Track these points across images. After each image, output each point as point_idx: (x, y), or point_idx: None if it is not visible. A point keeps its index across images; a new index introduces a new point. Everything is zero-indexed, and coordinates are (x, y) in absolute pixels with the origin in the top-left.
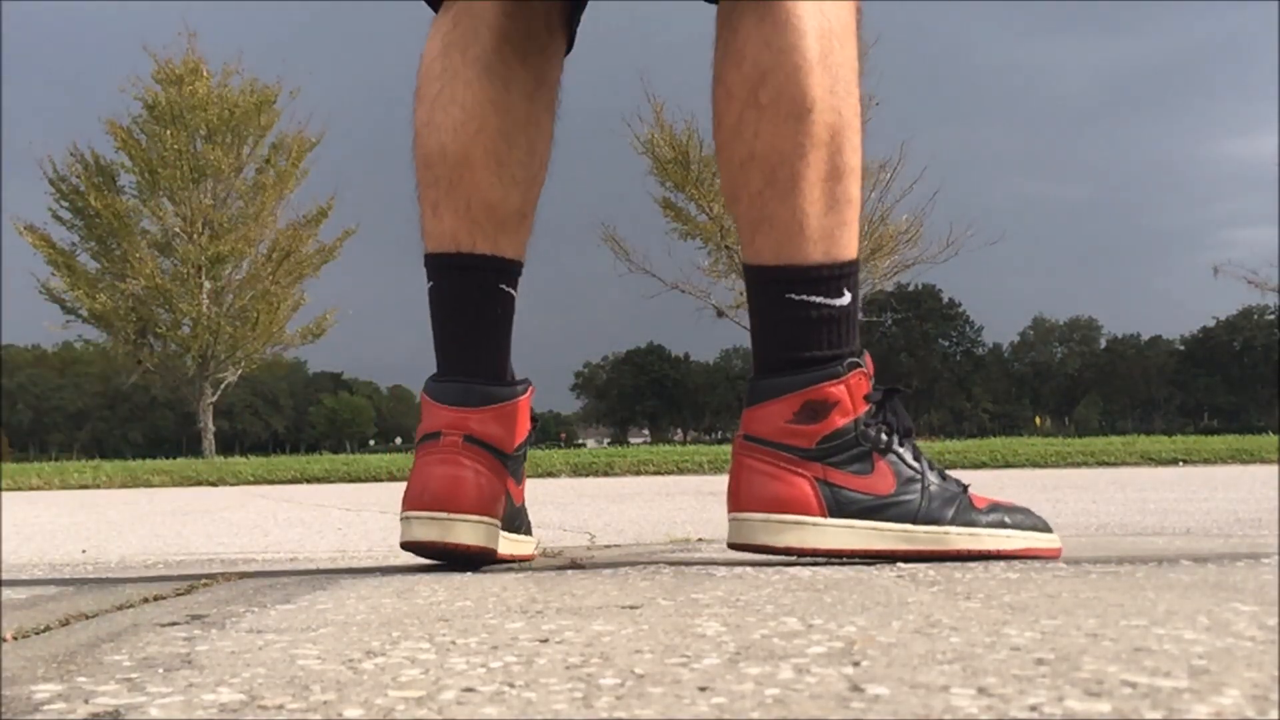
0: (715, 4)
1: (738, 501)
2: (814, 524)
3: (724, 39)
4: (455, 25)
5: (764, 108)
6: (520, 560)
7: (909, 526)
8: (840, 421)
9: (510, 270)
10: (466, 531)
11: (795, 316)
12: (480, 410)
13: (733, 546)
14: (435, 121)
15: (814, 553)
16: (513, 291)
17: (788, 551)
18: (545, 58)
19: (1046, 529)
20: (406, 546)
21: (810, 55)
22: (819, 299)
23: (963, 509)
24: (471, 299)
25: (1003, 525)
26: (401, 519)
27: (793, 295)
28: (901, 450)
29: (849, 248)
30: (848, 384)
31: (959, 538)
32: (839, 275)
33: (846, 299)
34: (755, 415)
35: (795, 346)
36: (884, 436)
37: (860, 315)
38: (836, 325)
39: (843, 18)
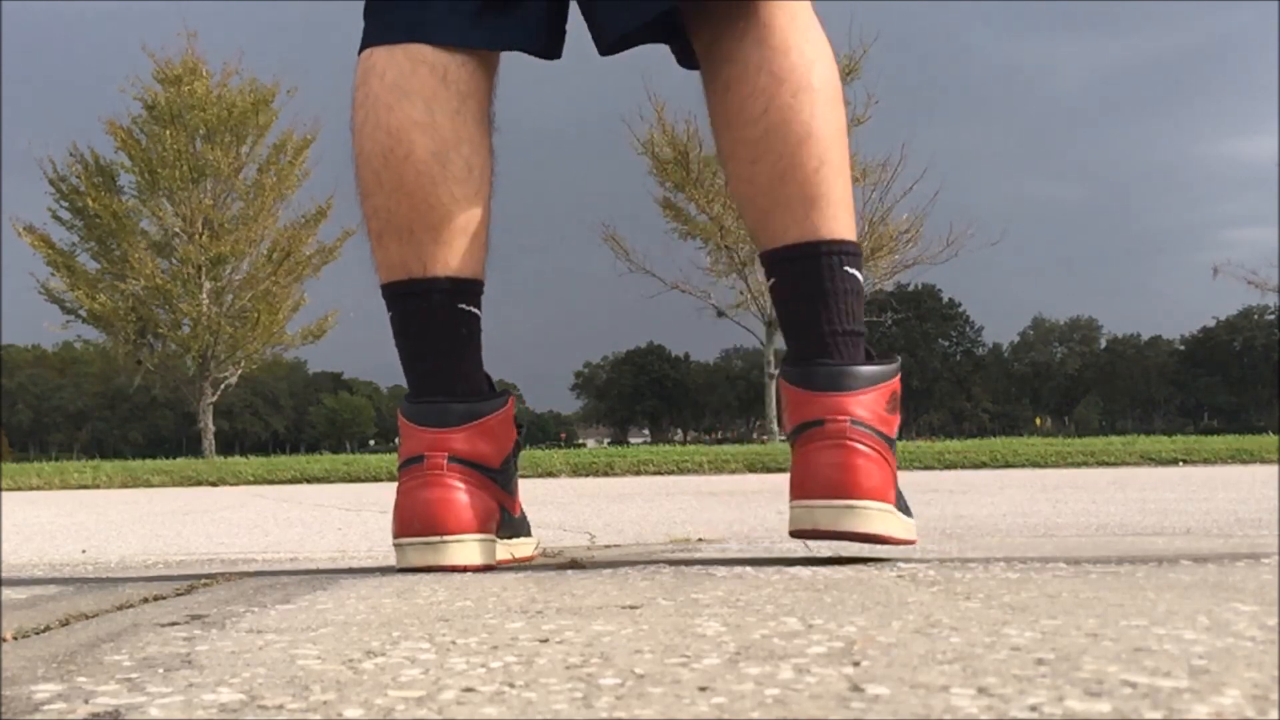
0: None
1: (857, 488)
2: (894, 514)
3: (756, 36)
4: (371, 53)
5: (818, 90)
6: (520, 561)
7: (912, 520)
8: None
9: (467, 289)
10: (460, 552)
11: (851, 289)
12: (462, 429)
13: (837, 535)
14: (365, 151)
15: (889, 541)
16: (474, 310)
17: (884, 541)
18: (468, 73)
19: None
20: (404, 571)
21: (831, 57)
22: (859, 275)
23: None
24: (432, 324)
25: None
26: (394, 545)
27: (848, 269)
28: None
29: None
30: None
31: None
32: (860, 254)
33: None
34: (858, 400)
35: (853, 319)
36: None
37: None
38: (863, 302)
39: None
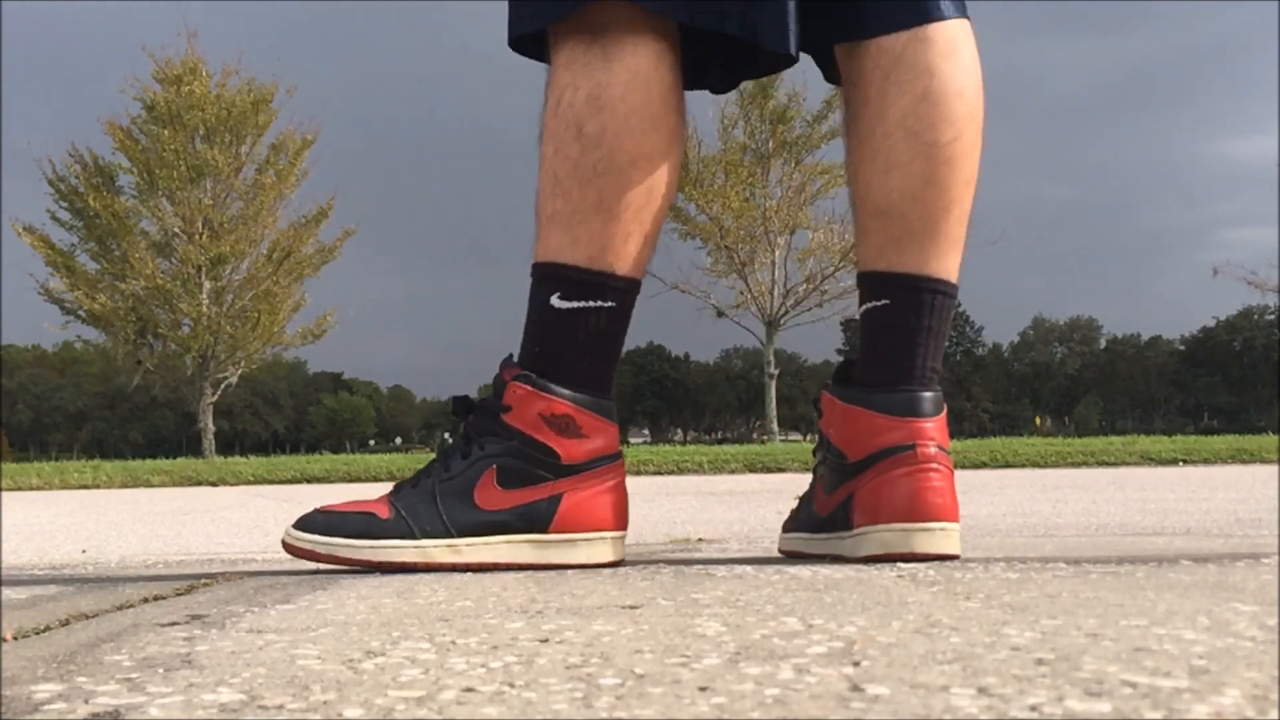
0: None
1: (948, 511)
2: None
3: (962, 61)
4: (671, 52)
5: (982, 139)
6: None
7: None
8: None
9: None
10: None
11: (947, 333)
12: None
13: (934, 557)
14: (670, 154)
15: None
16: None
17: (953, 559)
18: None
19: None
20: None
21: None
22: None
23: None
24: (625, 326)
25: None
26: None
27: (950, 315)
28: None
29: None
30: None
31: None
32: None
33: None
34: (941, 426)
35: (940, 359)
36: None
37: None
38: None
39: None
